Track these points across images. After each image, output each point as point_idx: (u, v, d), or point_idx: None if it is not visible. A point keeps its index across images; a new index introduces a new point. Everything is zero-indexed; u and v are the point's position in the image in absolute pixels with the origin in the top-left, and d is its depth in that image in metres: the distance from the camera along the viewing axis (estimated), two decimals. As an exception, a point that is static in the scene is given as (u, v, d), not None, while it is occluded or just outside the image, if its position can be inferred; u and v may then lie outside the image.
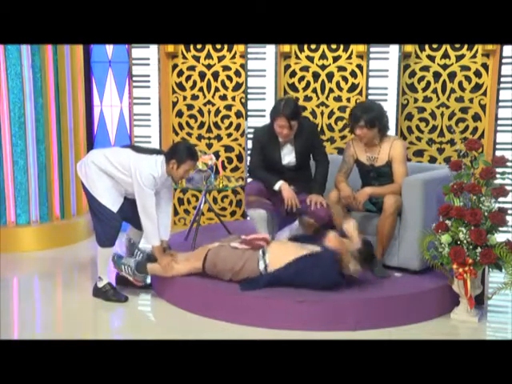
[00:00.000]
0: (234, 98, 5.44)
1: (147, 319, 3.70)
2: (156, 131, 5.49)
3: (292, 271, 3.47)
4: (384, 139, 3.91)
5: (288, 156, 4.06)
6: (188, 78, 5.51)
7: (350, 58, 5.15)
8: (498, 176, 3.48)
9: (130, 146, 3.92)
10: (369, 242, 3.65)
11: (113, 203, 3.73)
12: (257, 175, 4.08)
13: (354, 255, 3.51)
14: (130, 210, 3.77)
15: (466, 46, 4.96)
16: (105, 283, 3.80)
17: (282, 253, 3.57)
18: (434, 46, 5.01)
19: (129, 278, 3.77)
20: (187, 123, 5.58)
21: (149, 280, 3.94)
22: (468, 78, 5.00)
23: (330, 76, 5.22)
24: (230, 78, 5.43)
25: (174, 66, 5.53)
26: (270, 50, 5.17)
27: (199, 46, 5.44)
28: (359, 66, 5.13)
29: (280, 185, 3.94)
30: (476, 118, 5.03)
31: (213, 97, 5.48)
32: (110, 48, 5.76)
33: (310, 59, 5.24)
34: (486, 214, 3.40)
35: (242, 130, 5.41)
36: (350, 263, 3.49)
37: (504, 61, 4.78)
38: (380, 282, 3.67)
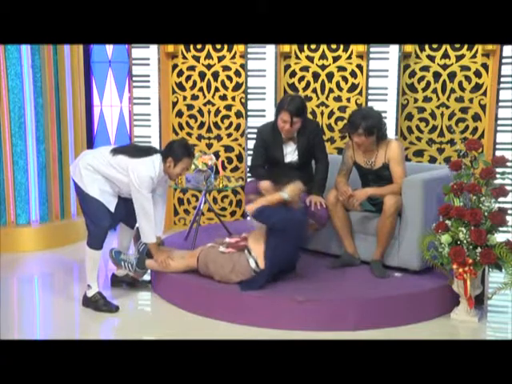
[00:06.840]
0: (234, 98, 5.44)
1: (147, 319, 3.69)
2: (156, 131, 5.49)
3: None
4: (381, 143, 3.90)
5: (290, 155, 4.06)
6: (188, 77, 5.51)
7: (350, 58, 5.15)
8: (497, 176, 3.48)
9: (126, 146, 3.88)
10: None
11: (108, 202, 3.70)
12: (257, 174, 4.08)
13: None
14: (123, 210, 3.76)
15: (466, 46, 4.96)
16: (94, 292, 3.67)
17: (259, 240, 3.58)
18: (434, 46, 5.02)
19: (129, 274, 3.89)
20: (187, 123, 5.58)
21: (149, 277, 4.01)
22: (468, 78, 5.00)
23: (330, 76, 5.22)
24: (229, 78, 5.43)
25: (174, 66, 5.53)
26: (270, 50, 5.17)
27: (199, 46, 5.44)
28: (359, 66, 5.13)
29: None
30: (476, 118, 5.03)
31: (213, 97, 5.48)
32: (109, 48, 5.77)
33: (310, 59, 5.24)
34: (486, 213, 3.40)
35: (242, 130, 5.41)
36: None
37: (504, 61, 4.78)
38: (380, 282, 3.67)
